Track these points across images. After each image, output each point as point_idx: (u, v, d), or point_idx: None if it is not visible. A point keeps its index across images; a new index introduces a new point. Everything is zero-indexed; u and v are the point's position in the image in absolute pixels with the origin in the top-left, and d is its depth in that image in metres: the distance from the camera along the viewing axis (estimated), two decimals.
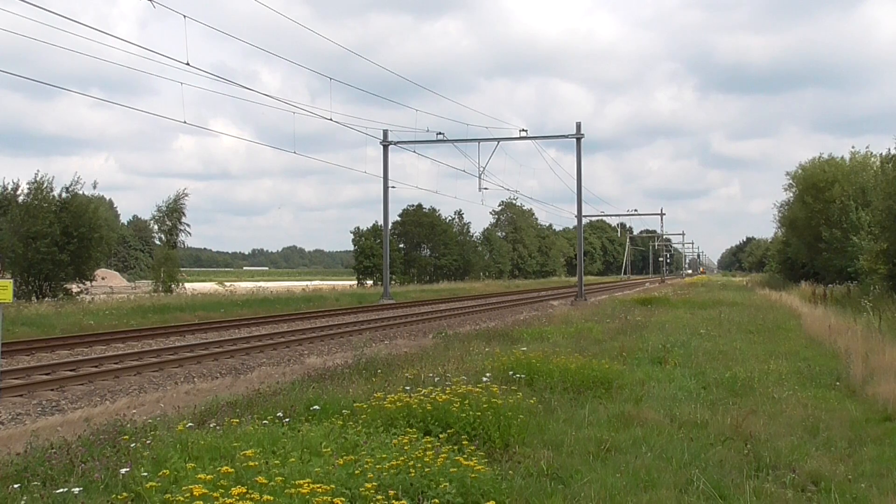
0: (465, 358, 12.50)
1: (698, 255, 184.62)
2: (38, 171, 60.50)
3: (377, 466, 5.20)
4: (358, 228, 69.38)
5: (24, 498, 5.04)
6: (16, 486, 5.31)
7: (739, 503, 5.59)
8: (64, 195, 35.38)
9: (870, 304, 18.29)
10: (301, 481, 4.58)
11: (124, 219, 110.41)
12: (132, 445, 6.22)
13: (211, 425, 7.03)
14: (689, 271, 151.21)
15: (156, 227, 53.71)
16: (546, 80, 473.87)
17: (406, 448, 5.67)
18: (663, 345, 14.29)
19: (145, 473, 5.20)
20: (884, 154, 32.81)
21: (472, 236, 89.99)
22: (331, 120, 29.78)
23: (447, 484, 5.04)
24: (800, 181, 46.71)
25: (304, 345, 18.94)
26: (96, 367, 14.56)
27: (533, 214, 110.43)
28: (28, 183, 35.36)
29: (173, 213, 50.47)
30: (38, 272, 33.66)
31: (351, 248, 72.63)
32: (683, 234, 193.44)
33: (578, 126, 38.24)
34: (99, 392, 12.34)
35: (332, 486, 4.63)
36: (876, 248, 26.93)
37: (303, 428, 6.58)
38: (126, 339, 19.56)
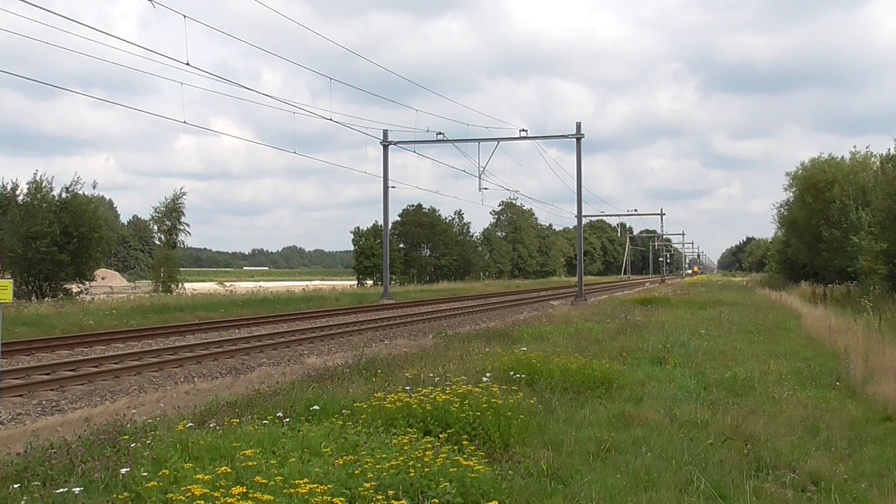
0: (466, 358, 12.50)
1: (698, 255, 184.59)
2: (37, 171, 60.57)
3: (377, 466, 5.19)
4: (358, 228, 69.46)
5: (24, 498, 5.04)
6: (16, 486, 5.31)
7: (739, 503, 5.59)
8: (64, 195, 35.39)
9: (870, 304, 18.29)
10: (300, 481, 4.58)
11: (124, 219, 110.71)
12: (132, 445, 6.22)
13: (211, 425, 7.03)
14: (689, 271, 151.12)
15: (155, 227, 53.81)
16: (547, 80, 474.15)
17: (406, 448, 5.67)
18: (663, 345, 14.28)
19: (145, 473, 5.20)
20: (884, 154, 32.87)
21: (472, 236, 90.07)
22: (331, 120, 29.82)
23: (447, 484, 5.04)
24: (800, 181, 46.74)
25: (304, 345, 18.94)
26: (96, 367, 14.56)
27: (533, 214, 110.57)
28: (28, 183, 35.45)
29: (172, 213, 50.50)
30: (38, 272, 33.66)
31: (351, 248, 72.71)
32: (683, 234, 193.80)
33: (578, 126, 38.26)
34: (99, 392, 12.34)
35: (331, 485, 4.64)
36: (876, 248, 26.93)
37: (303, 428, 6.58)
38: (126, 339, 19.55)
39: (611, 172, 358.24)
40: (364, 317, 28.91)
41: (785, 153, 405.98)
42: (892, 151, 29.93)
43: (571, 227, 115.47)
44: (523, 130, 39.11)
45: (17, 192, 35.34)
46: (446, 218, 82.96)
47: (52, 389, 12.41)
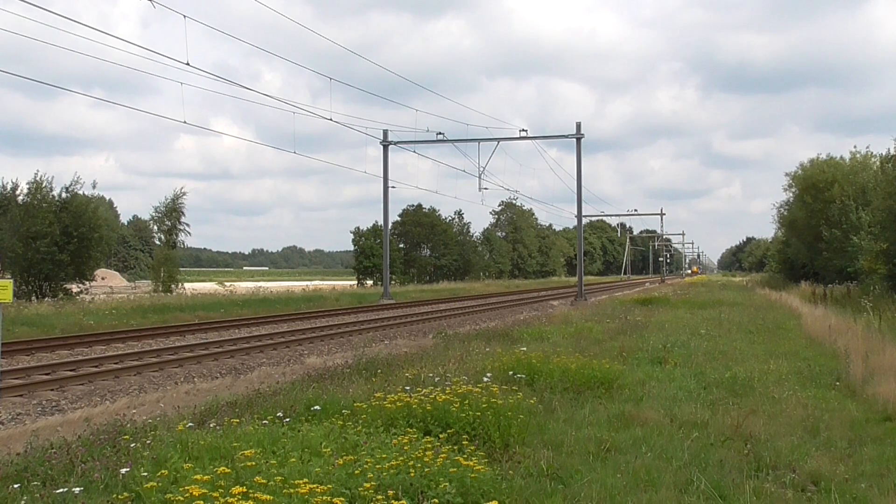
0: (466, 358, 12.50)
1: (698, 255, 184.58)
2: (37, 171, 60.69)
3: (377, 466, 5.19)
4: (358, 228, 69.45)
5: (24, 498, 5.04)
6: (16, 486, 5.30)
7: (739, 503, 5.59)
8: (64, 195, 35.40)
9: (870, 304, 18.30)
10: (300, 481, 4.58)
11: (124, 219, 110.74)
12: (132, 445, 6.22)
13: (211, 425, 7.02)
14: (689, 271, 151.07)
15: (155, 227, 53.80)
16: (547, 80, 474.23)
17: (406, 448, 5.67)
18: (663, 345, 14.29)
19: (145, 473, 5.19)
20: (884, 154, 32.88)
21: (472, 236, 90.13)
22: (331, 120, 29.83)
23: (447, 484, 5.04)
24: (799, 181, 46.77)
25: (304, 345, 18.93)
26: (96, 367, 14.56)
27: (533, 214, 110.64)
28: (27, 183, 35.46)
29: (171, 212, 50.49)
30: (38, 272, 33.66)
31: (351, 248, 72.70)
32: (683, 234, 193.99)
33: (578, 126, 38.28)
34: (99, 392, 12.34)
35: (331, 485, 4.64)
36: (876, 248, 26.95)
37: (303, 428, 6.58)
38: (126, 339, 19.55)
39: (611, 172, 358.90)
40: (364, 317, 28.91)
41: (785, 153, 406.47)
42: (892, 151, 29.90)
43: (571, 227, 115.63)
44: (523, 130, 39.18)
45: (17, 192, 35.38)
46: (446, 218, 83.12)
47: (52, 389, 12.41)
